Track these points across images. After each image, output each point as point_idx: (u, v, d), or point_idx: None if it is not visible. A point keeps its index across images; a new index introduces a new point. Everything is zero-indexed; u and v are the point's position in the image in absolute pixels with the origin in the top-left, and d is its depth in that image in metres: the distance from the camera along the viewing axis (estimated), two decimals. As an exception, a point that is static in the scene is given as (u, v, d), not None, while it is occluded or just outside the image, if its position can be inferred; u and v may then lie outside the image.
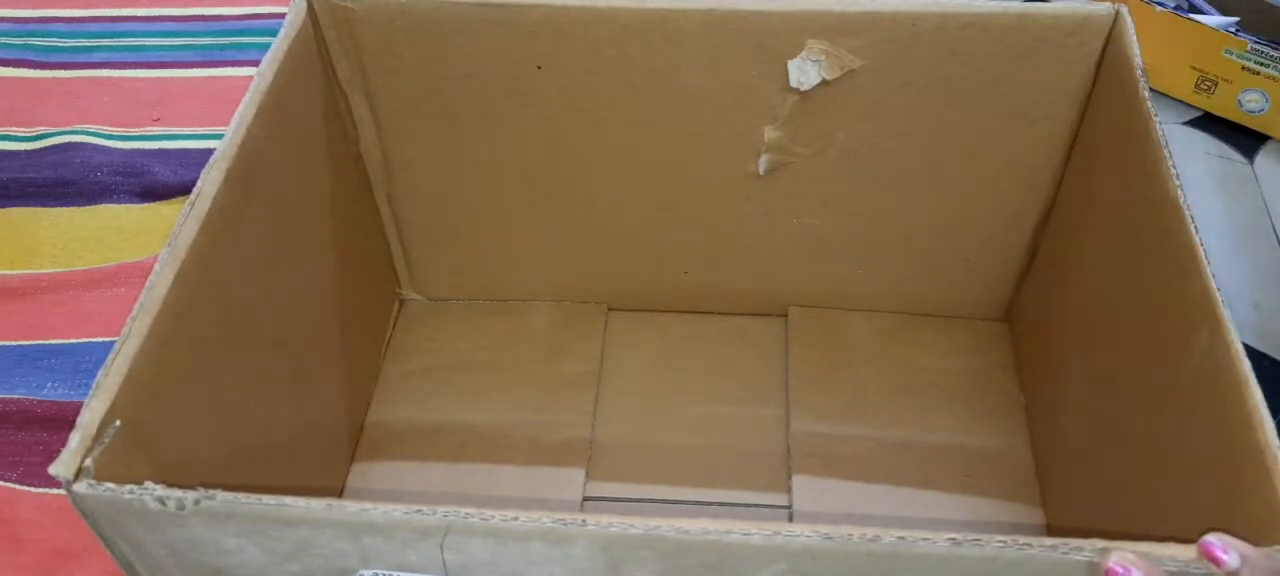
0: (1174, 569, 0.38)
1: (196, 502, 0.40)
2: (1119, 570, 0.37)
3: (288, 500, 0.40)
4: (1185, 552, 0.38)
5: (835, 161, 0.65)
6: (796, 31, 0.59)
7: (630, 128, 0.65)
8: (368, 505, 0.39)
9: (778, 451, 0.68)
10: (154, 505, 0.40)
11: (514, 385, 0.72)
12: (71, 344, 0.78)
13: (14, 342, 0.78)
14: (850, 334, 0.74)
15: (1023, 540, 0.38)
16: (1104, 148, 0.59)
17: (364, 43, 0.61)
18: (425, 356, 0.75)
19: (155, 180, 0.88)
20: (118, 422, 0.42)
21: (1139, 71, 0.54)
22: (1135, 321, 0.54)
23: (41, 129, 0.93)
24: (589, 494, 0.66)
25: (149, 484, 0.40)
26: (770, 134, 0.64)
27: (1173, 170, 0.51)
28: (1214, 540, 0.37)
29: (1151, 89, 0.54)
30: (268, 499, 0.40)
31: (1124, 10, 0.57)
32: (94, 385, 0.42)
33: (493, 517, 0.39)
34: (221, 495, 0.40)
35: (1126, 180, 0.55)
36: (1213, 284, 0.46)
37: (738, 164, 0.66)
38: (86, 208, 0.87)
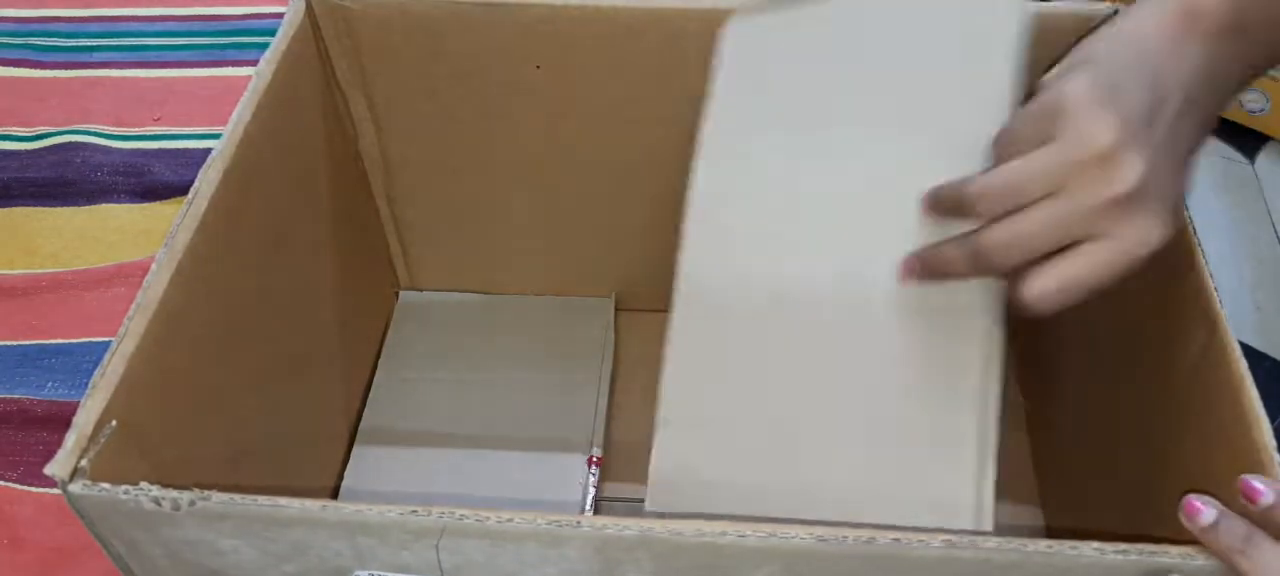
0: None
1: (192, 503, 0.40)
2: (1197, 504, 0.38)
3: (283, 500, 0.40)
4: (1186, 551, 0.38)
5: (834, 161, 0.65)
6: (795, 31, 0.59)
7: (629, 127, 0.65)
8: (363, 506, 0.39)
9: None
10: (149, 505, 0.40)
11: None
12: (71, 344, 0.78)
13: (14, 342, 0.78)
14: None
15: (1018, 541, 0.38)
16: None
17: (363, 42, 0.61)
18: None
19: (155, 180, 0.88)
20: (113, 423, 0.42)
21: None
22: (1133, 321, 0.54)
23: (41, 129, 0.93)
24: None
25: (144, 484, 0.40)
26: (769, 134, 0.64)
27: (1171, 170, 0.51)
28: (1251, 477, 0.38)
29: (1150, 89, 0.54)
30: (263, 499, 0.40)
31: (1124, 10, 0.57)
32: (90, 385, 0.42)
33: (488, 519, 0.39)
34: (217, 495, 0.40)
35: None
36: (1211, 284, 0.46)
37: (736, 164, 0.66)
38: (86, 208, 0.87)
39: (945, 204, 0.46)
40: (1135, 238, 0.41)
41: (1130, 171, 0.40)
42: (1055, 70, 0.43)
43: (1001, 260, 0.43)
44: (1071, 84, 0.41)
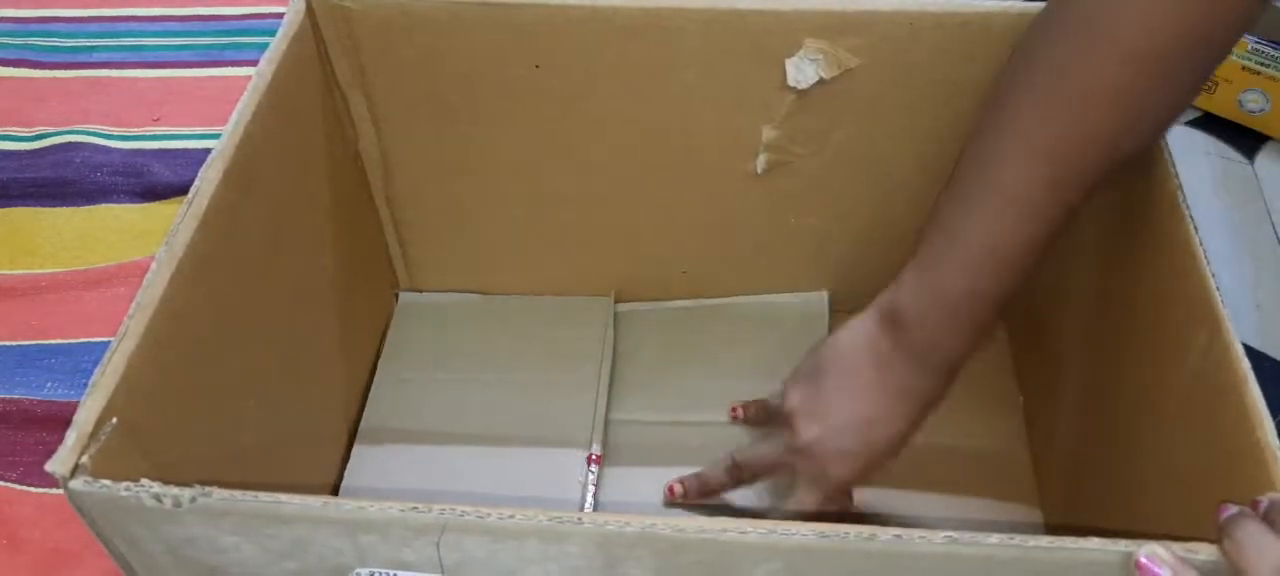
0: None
1: (193, 500, 0.40)
2: (1151, 567, 0.37)
3: (284, 498, 0.40)
4: (1192, 547, 0.38)
5: (833, 161, 0.65)
6: (795, 30, 0.59)
7: (628, 127, 0.65)
8: (364, 503, 0.39)
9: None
10: (150, 502, 0.39)
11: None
12: (71, 344, 0.78)
13: (14, 342, 0.78)
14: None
15: (1020, 538, 0.38)
16: (1103, 147, 0.59)
17: (362, 42, 0.61)
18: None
19: (155, 180, 0.88)
20: (114, 420, 0.42)
21: (1138, 70, 0.54)
22: (1134, 321, 0.54)
23: (41, 129, 0.93)
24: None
25: (145, 481, 0.40)
26: (768, 133, 0.64)
27: (1172, 170, 0.51)
28: (1146, 559, 0.37)
29: (1150, 88, 0.54)
30: (264, 496, 0.40)
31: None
32: (91, 383, 0.42)
33: (489, 516, 0.39)
34: (218, 492, 0.40)
35: (1126, 180, 0.55)
36: (1212, 284, 0.46)
37: (735, 163, 0.66)
38: (86, 208, 0.87)
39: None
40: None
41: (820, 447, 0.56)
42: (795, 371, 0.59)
43: (748, 475, 0.62)
44: (793, 395, 0.57)
